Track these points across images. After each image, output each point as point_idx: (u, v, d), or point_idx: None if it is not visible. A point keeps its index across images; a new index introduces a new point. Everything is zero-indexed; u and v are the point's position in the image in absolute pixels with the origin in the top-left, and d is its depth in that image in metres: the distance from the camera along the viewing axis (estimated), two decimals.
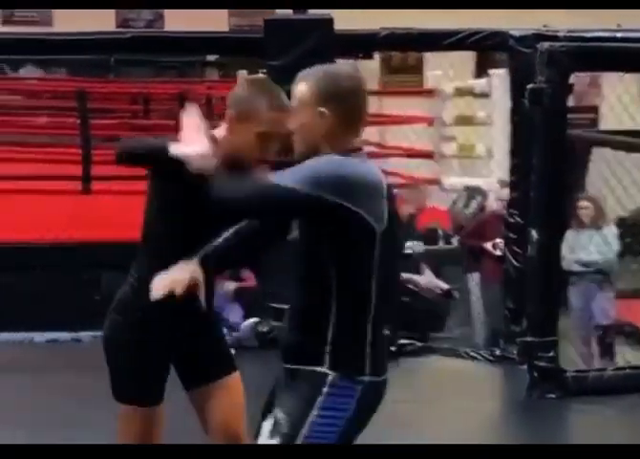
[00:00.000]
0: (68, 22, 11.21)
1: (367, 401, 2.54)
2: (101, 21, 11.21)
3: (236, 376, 3.22)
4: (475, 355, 6.27)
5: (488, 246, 7.34)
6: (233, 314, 6.90)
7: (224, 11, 13.51)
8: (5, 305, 6.81)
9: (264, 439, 2.56)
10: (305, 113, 2.56)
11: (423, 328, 7.02)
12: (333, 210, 2.45)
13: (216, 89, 12.22)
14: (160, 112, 11.81)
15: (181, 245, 3.02)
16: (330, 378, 2.50)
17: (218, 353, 3.23)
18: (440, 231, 8.33)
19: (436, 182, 8.94)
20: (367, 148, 10.42)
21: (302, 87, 2.57)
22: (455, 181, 8.79)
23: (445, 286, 7.56)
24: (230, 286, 7.03)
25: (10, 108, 12.03)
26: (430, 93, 9.49)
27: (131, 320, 3.06)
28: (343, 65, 2.71)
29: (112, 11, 13.23)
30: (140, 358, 3.06)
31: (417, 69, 11.94)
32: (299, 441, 2.49)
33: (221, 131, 3.11)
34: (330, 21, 6.07)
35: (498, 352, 6.23)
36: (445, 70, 9.25)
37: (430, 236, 8.22)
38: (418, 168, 9.20)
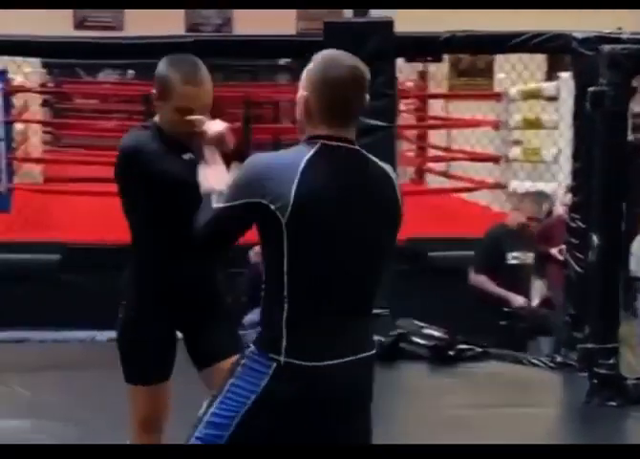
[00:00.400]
0: (139, 27, 11.34)
1: (286, 383, 2.53)
2: (171, 26, 11.32)
3: None
4: (535, 361, 6.16)
5: (554, 251, 7.24)
6: None
7: (292, 16, 13.64)
8: (71, 304, 6.94)
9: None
10: (298, 92, 2.63)
11: (522, 344, 6.95)
12: (255, 209, 2.53)
13: (284, 93, 12.30)
14: (228, 115, 11.91)
15: (169, 246, 3.24)
16: (248, 351, 2.60)
17: (226, 333, 3.39)
18: None
19: (501, 186, 8.86)
20: (433, 152, 10.46)
21: (305, 69, 2.63)
22: (521, 185, 8.69)
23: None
24: None
25: (83, 111, 12.27)
26: (497, 96, 9.42)
27: (132, 318, 3.30)
28: (346, 54, 2.63)
29: (181, 16, 13.44)
30: (141, 347, 3.30)
31: (487, 72, 11.85)
32: (215, 405, 2.59)
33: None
34: (390, 24, 6.03)
35: (559, 358, 6.13)
36: (514, 73, 9.17)
37: None
38: (478, 172, 9.11)
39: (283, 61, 14.48)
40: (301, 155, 2.54)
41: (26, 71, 8.10)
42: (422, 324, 6.30)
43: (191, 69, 3.14)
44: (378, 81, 5.88)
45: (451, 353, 6.11)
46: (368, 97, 2.65)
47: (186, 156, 3.18)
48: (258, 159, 2.59)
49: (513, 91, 9.07)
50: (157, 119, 3.25)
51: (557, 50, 6.39)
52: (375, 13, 6.46)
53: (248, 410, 2.54)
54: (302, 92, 2.60)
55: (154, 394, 3.34)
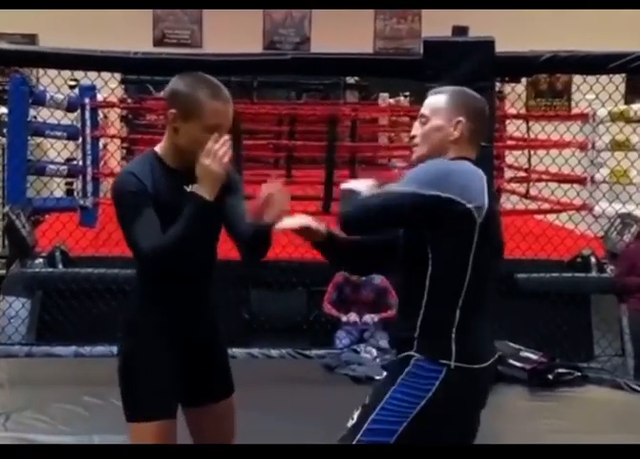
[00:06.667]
0: (217, 44, 11.42)
1: (456, 386, 2.62)
2: (249, 44, 11.43)
3: (232, 400, 3.18)
4: (635, 387, 6.06)
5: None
6: (382, 339, 7.05)
7: (370, 34, 13.70)
8: None
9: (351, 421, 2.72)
10: (441, 119, 2.77)
11: None
12: (448, 206, 2.56)
13: (359, 111, 12.30)
14: (304, 133, 11.88)
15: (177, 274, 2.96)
16: (414, 359, 2.64)
17: (218, 375, 3.15)
18: (593, 259, 8.13)
19: (586, 208, 8.74)
20: (510, 172, 10.32)
21: (442, 97, 2.81)
22: (607, 208, 8.56)
23: None
24: (375, 318, 7.25)
25: (157, 127, 12.29)
26: (581, 117, 9.29)
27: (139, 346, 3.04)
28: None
29: (259, 34, 13.54)
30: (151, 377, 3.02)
31: (565, 93, 11.76)
32: (375, 412, 2.64)
33: (163, 143, 2.98)
34: (491, 43, 5.99)
35: None
36: (595, 94, 9.04)
37: (583, 264, 8.04)
38: (555, 194, 8.93)
39: (352, 79, 14.50)
40: (471, 166, 2.71)
41: (110, 87, 8.12)
42: (519, 347, 6.22)
43: (216, 86, 2.89)
44: None
45: (550, 377, 6.01)
46: None
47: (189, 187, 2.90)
48: (442, 162, 2.71)
49: (600, 112, 8.95)
50: (159, 148, 2.98)
51: None
52: (474, 33, 6.36)
53: (418, 414, 2.61)
54: (452, 117, 2.77)
55: (161, 433, 2.96)
